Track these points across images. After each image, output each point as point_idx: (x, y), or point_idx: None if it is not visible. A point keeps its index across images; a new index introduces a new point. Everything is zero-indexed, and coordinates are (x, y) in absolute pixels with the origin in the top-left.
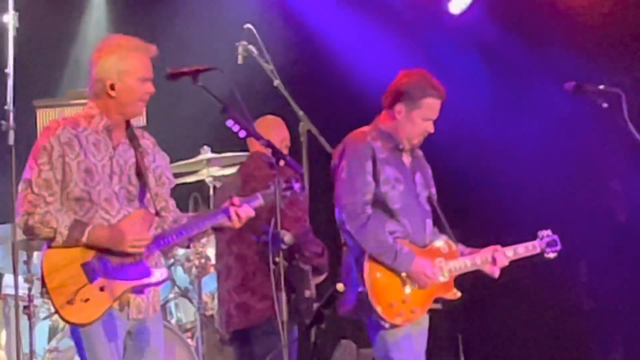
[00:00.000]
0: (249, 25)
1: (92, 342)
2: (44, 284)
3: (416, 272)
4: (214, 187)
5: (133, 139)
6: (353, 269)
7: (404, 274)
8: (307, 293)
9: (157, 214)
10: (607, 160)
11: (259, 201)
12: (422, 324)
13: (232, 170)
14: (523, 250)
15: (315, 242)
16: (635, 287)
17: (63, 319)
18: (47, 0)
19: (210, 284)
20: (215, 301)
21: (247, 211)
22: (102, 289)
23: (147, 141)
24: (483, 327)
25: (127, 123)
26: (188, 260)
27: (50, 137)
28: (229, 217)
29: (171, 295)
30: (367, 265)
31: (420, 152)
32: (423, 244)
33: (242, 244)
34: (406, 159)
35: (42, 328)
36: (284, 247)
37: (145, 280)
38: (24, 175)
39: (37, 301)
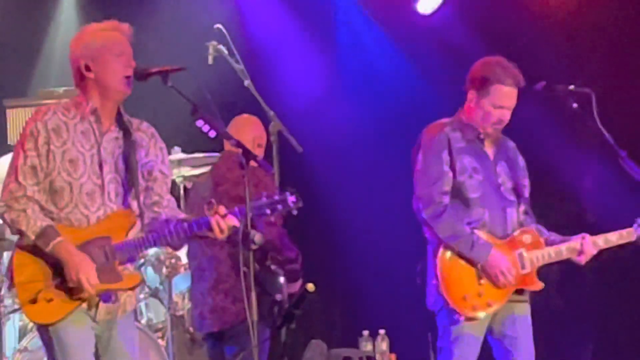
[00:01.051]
0: (219, 26)
1: (62, 340)
2: (11, 278)
3: (491, 265)
4: (185, 188)
5: (124, 128)
6: (431, 261)
7: (479, 267)
8: (279, 297)
9: (142, 214)
10: (577, 160)
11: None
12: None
13: (203, 170)
14: (616, 237)
15: (290, 247)
16: (605, 288)
17: (27, 316)
18: None
19: (180, 284)
20: (186, 301)
21: (230, 222)
22: (69, 290)
23: (142, 133)
24: None
25: (118, 111)
26: (158, 260)
27: (38, 122)
28: (211, 228)
29: (141, 296)
30: (440, 256)
31: (511, 143)
32: (503, 234)
33: (214, 246)
34: (489, 148)
35: (12, 328)
36: (254, 247)
37: (116, 285)
38: (12, 161)
39: (7, 301)
